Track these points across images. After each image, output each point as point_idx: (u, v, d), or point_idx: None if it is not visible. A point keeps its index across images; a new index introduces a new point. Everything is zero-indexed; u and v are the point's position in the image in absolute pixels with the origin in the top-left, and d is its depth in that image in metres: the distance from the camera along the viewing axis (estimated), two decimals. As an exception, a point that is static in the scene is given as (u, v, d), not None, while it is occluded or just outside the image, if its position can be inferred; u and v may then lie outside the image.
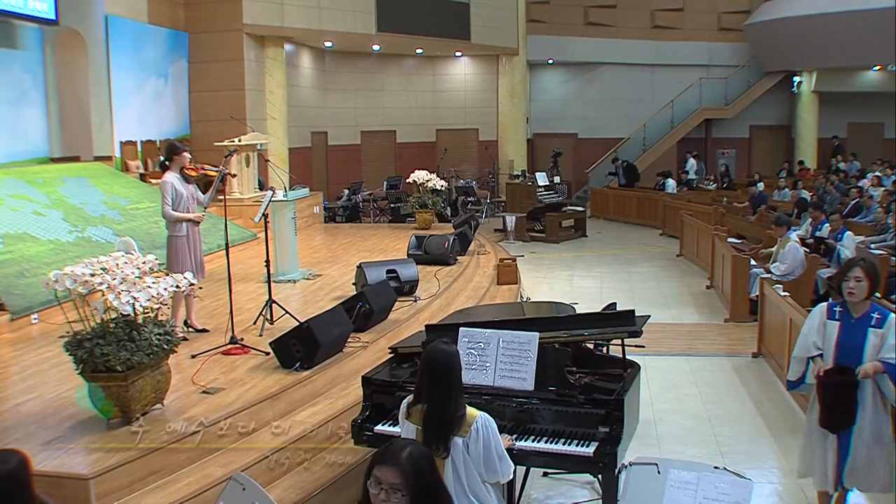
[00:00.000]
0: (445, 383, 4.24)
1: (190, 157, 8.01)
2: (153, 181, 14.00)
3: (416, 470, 3.02)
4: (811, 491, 6.06)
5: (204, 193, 8.05)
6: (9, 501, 3.13)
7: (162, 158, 8.18)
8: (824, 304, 5.45)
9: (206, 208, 8.27)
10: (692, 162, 25.13)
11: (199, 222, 7.95)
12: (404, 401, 4.46)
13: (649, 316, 5.95)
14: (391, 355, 5.85)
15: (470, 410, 4.26)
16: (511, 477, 4.47)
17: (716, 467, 3.91)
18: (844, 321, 5.23)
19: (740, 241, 14.44)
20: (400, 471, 2.98)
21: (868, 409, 5.12)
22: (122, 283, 5.31)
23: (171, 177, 7.77)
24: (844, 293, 5.19)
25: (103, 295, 5.28)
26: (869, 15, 21.96)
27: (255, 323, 8.09)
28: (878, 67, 25.73)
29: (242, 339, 7.47)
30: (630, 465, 4.08)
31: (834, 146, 26.86)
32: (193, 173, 7.91)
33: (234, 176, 11.98)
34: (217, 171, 8.07)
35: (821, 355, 5.28)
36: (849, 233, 12.43)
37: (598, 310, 6.95)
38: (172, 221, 7.77)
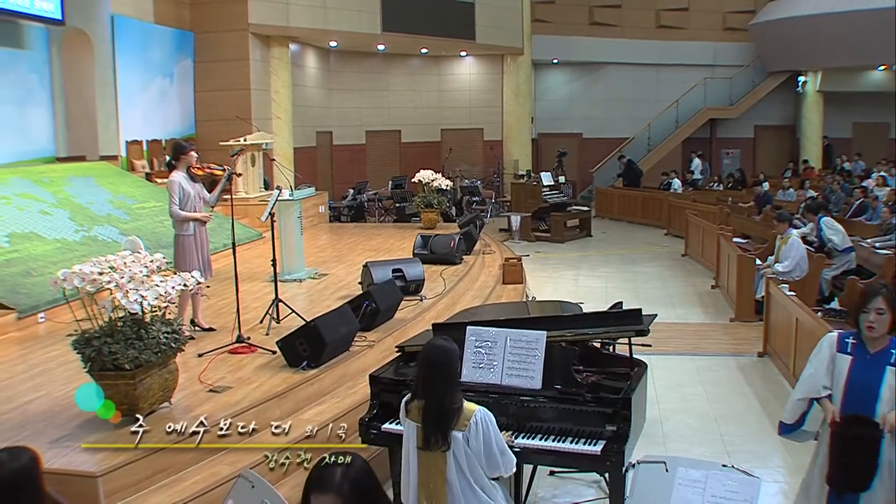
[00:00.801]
0: (443, 379, 4.27)
1: (196, 156, 8.02)
2: (158, 180, 14.04)
3: (355, 490, 2.91)
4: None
5: (209, 193, 8.07)
6: (19, 498, 3.14)
7: (168, 158, 8.19)
8: (834, 334, 4.65)
9: (212, 207, 8.29)
10: (697, 162, 25.11)
11: (206, 222, 7.98)
12: (404, 399, 4.49)
13: (656, 315, 5.96)
14: (398, 354, 5.85)
15: (468, 405, 4.29)
16: (514, 471, 4.49)
17: (724, 465, 3.91)
18: (858, 356, 4.45)
19: (745, 240, 14.42)
20: (337, 495, 2.87)
21: (883, 467, 4.35)
22: (130, 281, 5.33)
23: (178, 176, 7.79)
24: (862, 326, 4.42)
25: (111, 293, 5.29)
26: (874, 15, 21.91)
27: (261, 322, 8.10)
28: (883, 67, 25.66)
29: (249, 338, 7.49)
30: (638, 463, 4.08)
31: (825, 146, 26.98)
32: (200, 172, 7.93)
33: (240, 175, 12.01)
34: (223, 171, 8.09)
35: (829, 396, 4.53)
36: (825, 219, 12.48)
37: (604, 309, 6.95)
38: (180, 221, 7.79)
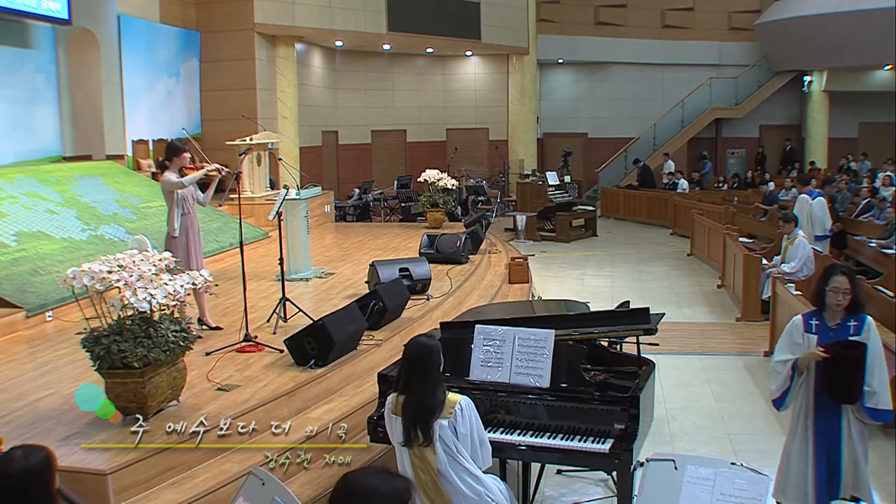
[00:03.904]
0: (422, 375, 4.36)
1: (190, 157, 7.99)
2: (161, 180, 14.06)
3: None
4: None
5: (202, 193, 8.03)
6: (28, 497, 3.16)
7: (162, 158, 8.15)
8: (798, 317, 5.14)
9: (220, 205, 8.25)
10: (671, 164, 24.77)
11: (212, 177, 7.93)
12: (389, 397, 4.54)
13: (664, 314, 5.96)
14: (406, 352, 5.85)
15: (451, 395, 4.39)
16: (490, 464, 4.56)
17: (732, 463, 3.91)
18: (822, 333, 4.98)
19: (751, 240, 14.42)
20: None
21: (851, 417, 4.98)
22: (139, 279, 5.34)
23: (171, 176, 7.75)
24: (829, 301, 4.94)
25: (120, 292, 5.31)
26: (880, 14, 21.86)
27: (268, 321, 8.11)
28: (889, 67, 25.63)
29: (256, 337, 7.50)
30: (647, 461, 4.08)
31: (785, 149, 27.38)
32: (191, 174, 7.89)
33: (229, 173, 11.97)
34: (216, 171, 8.05)
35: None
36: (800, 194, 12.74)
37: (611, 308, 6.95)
38: (183, 187, 7.73)
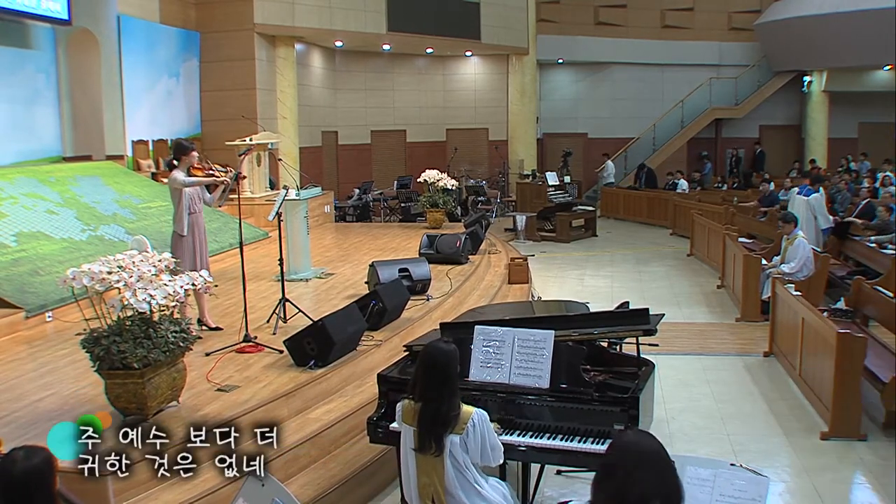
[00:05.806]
0: (440, 383, 4.29)
1: (197, 156, 7.99)
2: (164, 180, 14.05)
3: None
4: (824, 488, 6.08)
5: (209, 194, 8.03)
6: (29, 498, 3.16)
7: (169, 158, 8.15)
8: None
9: (220, 206, 8.26)
10: (610, 165, 24.66)
11: (216, 189, 7.92)
12: (399, 403, 4.50)
13: (664, 314, 5.96)
14: (405, 353, 5.85)
15: (465, 408, 4.32)
16: (501, 461, 4.53)
17: (732, 464, 3.91)
18: None
19: (751, 240, 14.42)
20: None
21: None
22: (139, 280, 5.34)
23: (178, 174, 7.76)
24: None
25: (120, 292, 5.31)
26: (880, 14, 21.85)
27: (268, 321, 8.12)
28: (888, 67, 25.63)
29: (256, 338, 7.50)
30: (647, 462, 4.07)
31: (755, 153, 27.41)
32: (199, 173, 7.88)
33: (244, 178, 12.01)
34: (225, 172, 8.05)
35: None
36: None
37: (611, 309, 6.95)
38: (189, 186, 7.73)
